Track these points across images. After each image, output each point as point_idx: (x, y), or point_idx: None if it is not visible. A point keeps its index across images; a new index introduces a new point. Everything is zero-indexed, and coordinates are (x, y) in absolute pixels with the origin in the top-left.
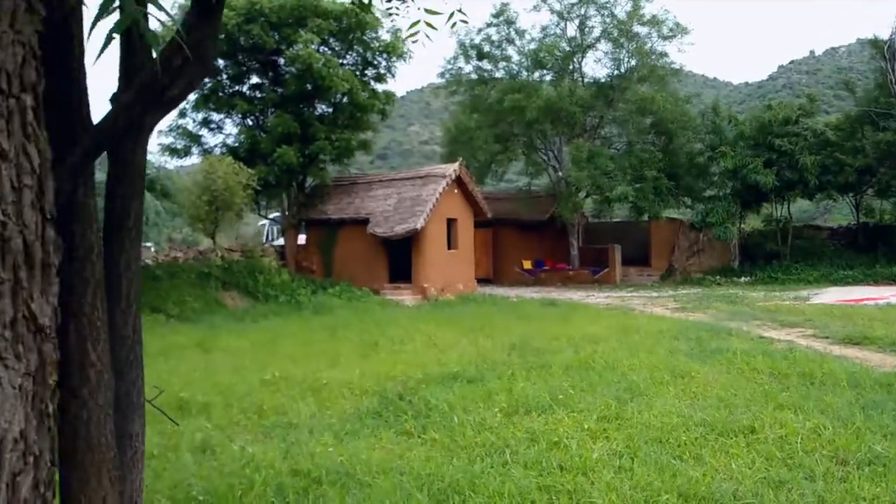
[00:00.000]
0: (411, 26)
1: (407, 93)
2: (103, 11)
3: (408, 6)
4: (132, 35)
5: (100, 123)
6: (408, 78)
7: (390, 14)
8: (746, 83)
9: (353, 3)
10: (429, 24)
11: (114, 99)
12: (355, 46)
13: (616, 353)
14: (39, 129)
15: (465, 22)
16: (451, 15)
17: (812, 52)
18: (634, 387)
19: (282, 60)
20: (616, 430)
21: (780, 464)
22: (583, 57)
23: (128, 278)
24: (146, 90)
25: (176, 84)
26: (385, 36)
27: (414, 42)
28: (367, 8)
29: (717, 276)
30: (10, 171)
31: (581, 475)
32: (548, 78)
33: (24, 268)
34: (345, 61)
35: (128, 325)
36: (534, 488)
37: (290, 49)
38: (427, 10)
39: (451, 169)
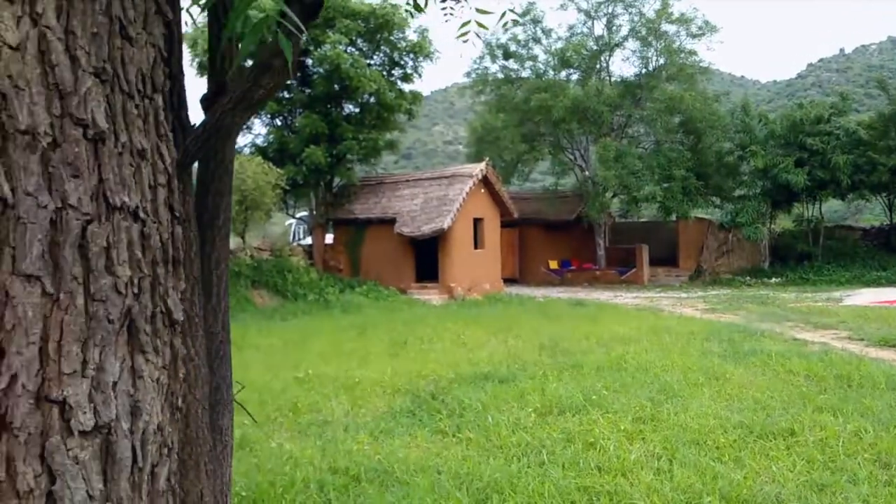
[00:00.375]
0: (462, 26)
1: (431, 93)
2: (237, 17)
3: (462, 6)
4: (221, 38)
5: (200, 125)
6: (432, 78)
7: (445, 15)
8: (774, 81)
9: (408, 3)
10: (480, 24)
11: (204, 100)
12: (382, 47)
13: (647, 354)
14: (168, 130)
15: (517, 22)
16: (503, 14)
17: (842, 50)
18: (668, 388)
19: (310, 61)
20: (652, 431)
21: (821, 467)
22: (610, 55)
23: (217, 275)
24: (243, 92)
25: (265, 85)
26: (412, 36)
27: (465, 42)
28: (422, 10)
29: (747, 277)
30: (148, 170)
31: (620, 476)
32: (574, 77)
33: (161, 264)
34: (372, 61)
35: (218, 322)
36: (573, 489)
37: (318, 50)
38: (479, 10)
39: (478, 168)
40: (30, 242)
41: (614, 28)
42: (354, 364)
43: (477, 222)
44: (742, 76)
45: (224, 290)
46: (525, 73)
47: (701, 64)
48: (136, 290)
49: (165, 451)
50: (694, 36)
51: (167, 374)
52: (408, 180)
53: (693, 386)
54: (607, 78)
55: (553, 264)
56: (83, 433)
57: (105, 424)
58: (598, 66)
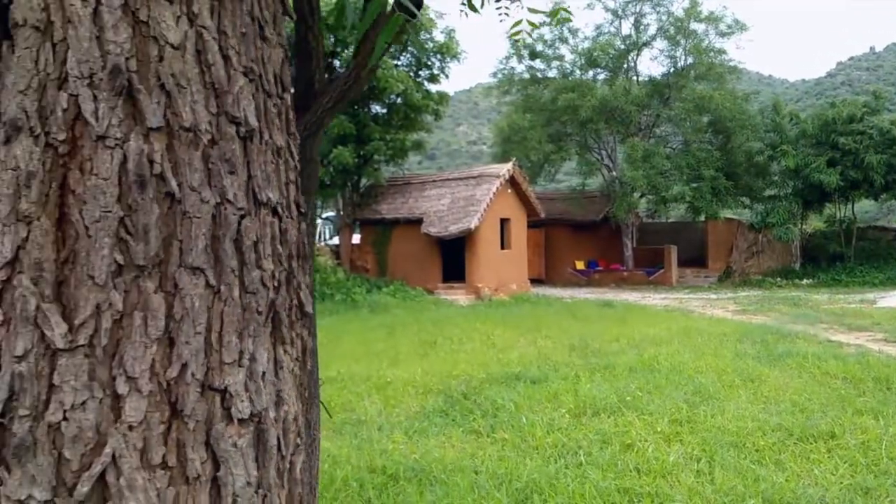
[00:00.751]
0: (514, 25)
1: (455, 93)
2: (370, 19)
3: (519, 5)
4: (308, 40)
5: (300, 124)
6: (456, 78)
7: (500, 14)
8: (803, 80)
9: (463, 4)
10: (531, 24)
11: (295, 100)
12: (409, 48)
13: (680, 355)
14: (294, 129)
15: (569, 20)
16: (556, 13)
17: (872, 48)
18: (703, 390)
19: (337, 62)
20: (689, 433)
21: (864, 470)
22: (638, 55)
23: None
24: (340, 94)
25: (356, 88)
26: (439, 37)
27: (517, 41)
28: (477, 10)
29: (778, 278)
30: (283, 168)
31: (660, 478)
32: (602, 77)
33: (295, 259)
34: (399, 62)
35: None
36: (613, 490)
37: (346, 51)
38: (530, 10)
39: (505, 169)
40: (195, 236)
41: (642, 27)
42: (385, 364)
43: (504, 222)
44: (770, 75)
45: (310, 285)
46: (552, 73)
47: (730, 63)
48: (276, 284)
49: (299, 440)
50: (723, 34)
51: (299, 365)
52: (435, 180)
53: (728, 388)
54: (635, 77)
55: (579, 265)
56: (241, 421)
57: (257, 413)
58: (625, 65)
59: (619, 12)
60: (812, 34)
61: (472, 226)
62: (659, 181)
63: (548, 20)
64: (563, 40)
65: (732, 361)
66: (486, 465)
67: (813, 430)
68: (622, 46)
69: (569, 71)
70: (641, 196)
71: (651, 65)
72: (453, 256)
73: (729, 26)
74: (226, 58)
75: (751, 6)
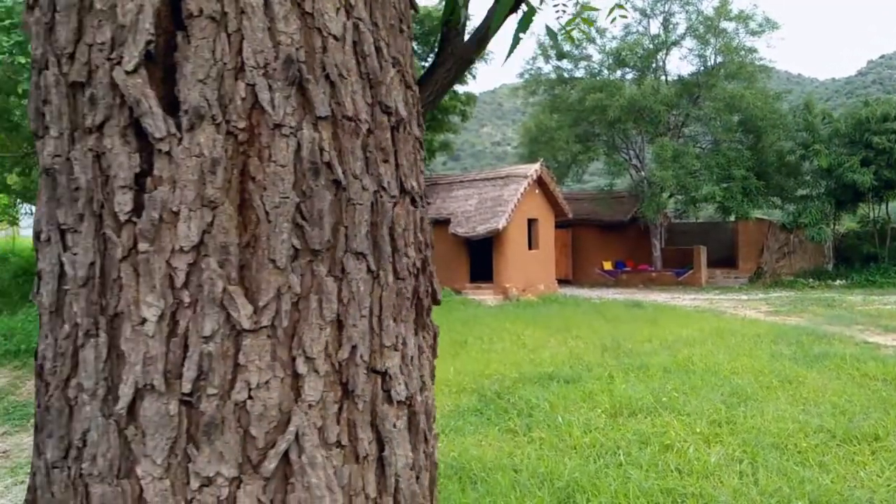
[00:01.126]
0: (568, 23)
1: (480, 94)
2: (502, 15)
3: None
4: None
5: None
6: (480, 79)
7: (557, 12)
8: (833, 79)
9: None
10: (585, 21)
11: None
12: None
13: (714, 356)
14: (423, 120)
15: (625, 17)
16: (612, 10)
17: None
18: (741, 391)
19: None
20: (729, 434)
21: None
22: (667, 54)
23: None
24: (446, 84)
25: (461, 74)
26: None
27: (569, 38)
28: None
29: (810, 279)
30: (418, 157)
31: (702, 479)
32: (630, 76)
33: (427, 247)
34: (426, 63)
35: None
36: (657, 491)
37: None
38: (585, 7)
39: (533, 169)
40: (358, 222)
41: (671, 26)
42: None
43: (531, 223)
44: (799, 74)
45: None
46: (579, 73)
47: (760, 62)
48: (416, 271)
49: (434, 423)
50: (754, 33)
51: (431, 352)
52: (462, 181)
53: (766, 389)
54: (663, 77)
55: (607, 265)
56: (399, 403)
57: (410, 396)
58: (653, 64)
59: (648, 11)
60: (841, 32)
61: (500, 226)
62: (689, 181)
63: (626, 15)
64: (591, 40)
65: (769, 363)
66: (526, 464)
67: (856, 431)
68: (650, 46)
69: (596, 71)
70: (670, 196)
71: (680, 64)
72: (481, 257)
73: (760, 25)
74: (378, 49)
75: (778, 4)
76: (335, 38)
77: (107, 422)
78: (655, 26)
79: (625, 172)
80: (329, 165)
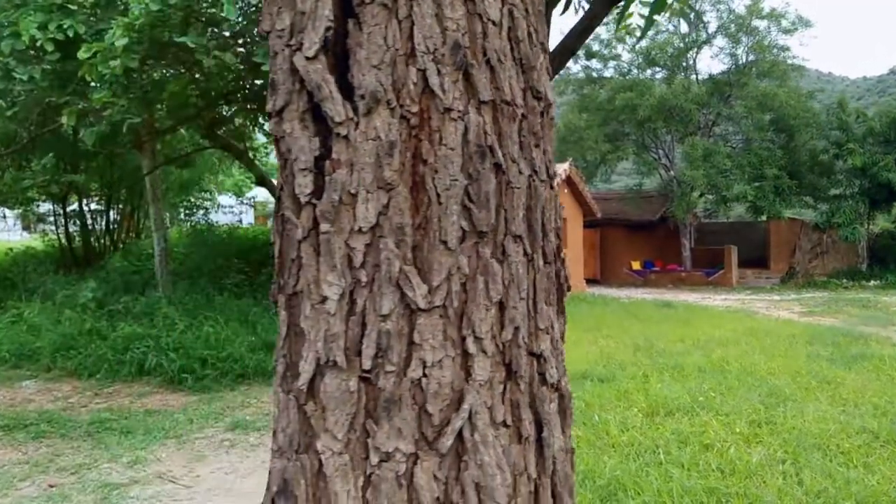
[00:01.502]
0: (624, 18)
1: None
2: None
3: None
4: None
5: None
6: None
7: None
8: (864, 77)
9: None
10: (642, 16)
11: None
12: None
13: (749, 356)
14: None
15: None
16: (671, 4)
17: None
18: (778, 392)
19: None
20: (770, 435)
21: None
22: (697, 53)
23: None
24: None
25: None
26: None
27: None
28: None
29: (843, 280)
30: (552, 143)
31: (745, 479)
32: (660, 75)
33: (560, 234)
34: None
35: None
36: (700, 490)
37: None
38: (642, 3)
39: (562, 169)
40: (516, 205)
41: (702, 25)
42: None
43: None
44: (830, 72)
45: None
46: (608, 73)
47: (793, 60)
48: (557, 256)
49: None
50: (786, 31)
51: (562, 338)
52: None
53: (805, 390)
54: (694, 76)
55: (635, 265)
56: (551, 386)
57: (558, 380)
58: (684, 63)
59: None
60: (872, 30)
61: None
62: (719, 180)
63: (687, 10)
64: (620, 39)
65: (805, 363)
66: None
67: None
68: (681, 45)
69: (626, 70)
70: (701, 195)
71: (711, 63)
72: None
73: (792, 23)
74: (529, 34)
75: (808, 1)
76: (493, 23)
77: (287, 398)
78: (686, 25)
79: (654, 172)
80: (491, 149)
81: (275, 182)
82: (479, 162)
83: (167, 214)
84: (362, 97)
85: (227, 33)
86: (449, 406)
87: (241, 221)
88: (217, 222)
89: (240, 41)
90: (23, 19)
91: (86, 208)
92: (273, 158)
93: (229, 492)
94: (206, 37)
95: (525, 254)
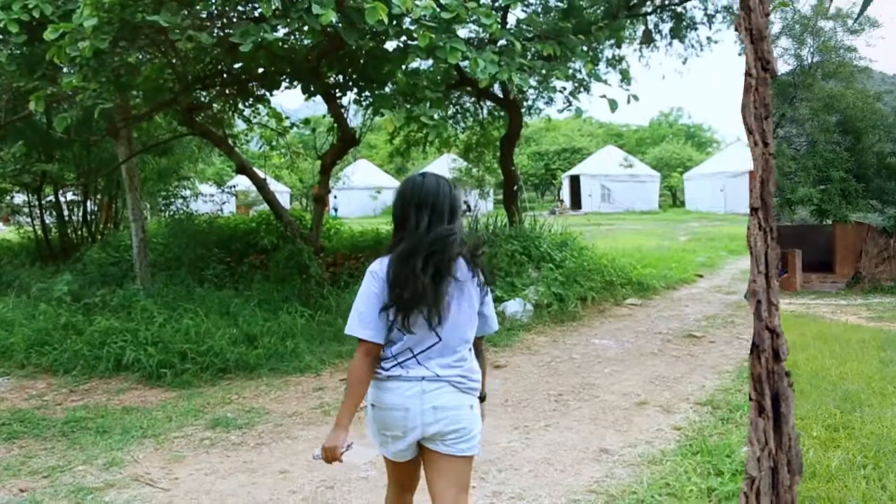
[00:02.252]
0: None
1: None
2: None
3: None
4: None
5: None
6: None
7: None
8: None
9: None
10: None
11: None
12: None
13: (819, 360)
14: None
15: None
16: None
17: None
18: (853, 397)
19: None
20: (847, 439)
21: None
22: None
23: None
24: None
25: None
26: None
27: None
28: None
29: None
30: None
31: (826, 483)
32: None
33: None
34: None
35: None
36: None
37: None
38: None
39: None
40: (761, 179)
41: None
42: None
43: None
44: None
45: None
46: None
47: (861, 60)
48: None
49: None
50: (852, 32)
51: None
52: None
53: (881, 395)
54: None
55: None
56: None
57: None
58: None
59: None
60: None
61: None
62: (784, 183)
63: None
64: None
65: (879, 368)
66: None
67: None
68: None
69: None
70: None
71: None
72: None
73: (859, 23)
74: (761, 2)
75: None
76: None
77: None
78: None
79: None
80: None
81: (256, 170)
82: None
83: (146, 204)
84: None
85: (203, 14)
86: None
87: (221, 211)
88: (198, 211)
89: (217, 24)
90: None
91: (62, 199)
92: (253, 146)
93: (208, 494)
94: (180, 16)
95: (760, 227)
